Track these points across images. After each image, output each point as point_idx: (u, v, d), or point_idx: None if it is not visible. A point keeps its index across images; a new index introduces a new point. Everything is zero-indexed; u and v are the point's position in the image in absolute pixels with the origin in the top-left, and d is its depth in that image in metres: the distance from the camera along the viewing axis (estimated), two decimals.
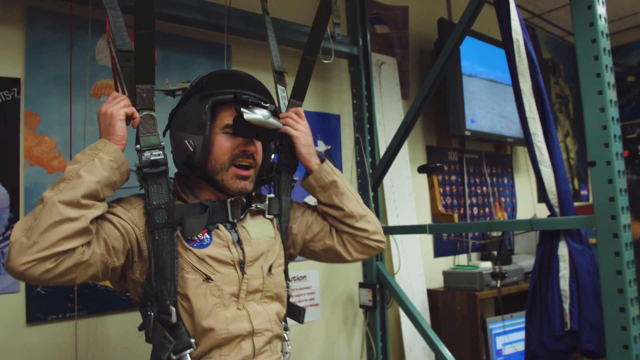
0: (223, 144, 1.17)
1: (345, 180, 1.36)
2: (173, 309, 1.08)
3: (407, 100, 2.67)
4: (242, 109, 1.13)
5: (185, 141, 1.16)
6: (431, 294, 2.53)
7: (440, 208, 1.92)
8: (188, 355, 1.08)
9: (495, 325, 2.46)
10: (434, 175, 1.96)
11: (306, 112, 2.05)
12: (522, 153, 3.53)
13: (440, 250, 2.80)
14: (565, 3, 3.45)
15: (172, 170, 1.20)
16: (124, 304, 1.66)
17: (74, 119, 1.62)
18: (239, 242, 1.19)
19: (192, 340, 1.09)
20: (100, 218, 1.04)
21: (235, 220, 1.21)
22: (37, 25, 1.58)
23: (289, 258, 1.35)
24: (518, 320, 2.50)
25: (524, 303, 1.73)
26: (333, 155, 2.34)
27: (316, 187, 1.32)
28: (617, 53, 4.28)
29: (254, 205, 1.27)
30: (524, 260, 2.71)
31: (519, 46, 1.70)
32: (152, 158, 1.11)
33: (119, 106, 1.10)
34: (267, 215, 1.29)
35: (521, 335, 2.42)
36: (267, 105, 1.18)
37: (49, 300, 1.54)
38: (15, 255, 0.93)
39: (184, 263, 1.11)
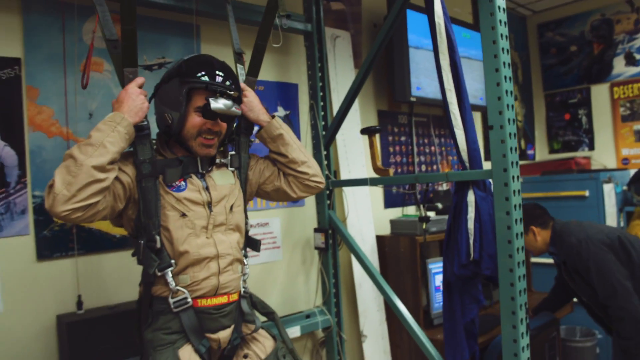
0: (194, 121, 1.50)
1: (291, 134, 1.72)
2: (157, 237, 1.45)
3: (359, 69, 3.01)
4: (210, 99, 1.46)
5: (166, 114, 1.50)
6: (380, 239, 2.92)
7: (379, 164, 2.28)
8: (169, 272, 1.46)
9: (434, 265, 2.88)
10: (373, 136, 2.31)
11: (267, 82, 2.43)
12: None
13: (390, 202, 3.20)
14: None
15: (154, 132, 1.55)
16: (115, 245, 2.02)
17: (68, 91, 1.93)
18: (207, 188, 1.55)
19: (172, 261, 1.47)
20: None
21: (204, 172, 1.57)
22: (32, 12, 1.87)
23: (247, 200, 1.72)
24: None
25: None
26: (292, 119, 2.69)
27: (266, 138, 1.69)
28: (562, 24, 4.63)
29: (218, 160, 1.63)
30: None
31: (440, 29, 2.02)
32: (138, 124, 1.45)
33: (135, 92, 1.44)
34: (229, 168, 1.65)
35: None
36: (232, 92, 1.51)
37: (54, 241, 1.89)
38: (58, 203, 1.27)
39: (166, 203, 1.47)
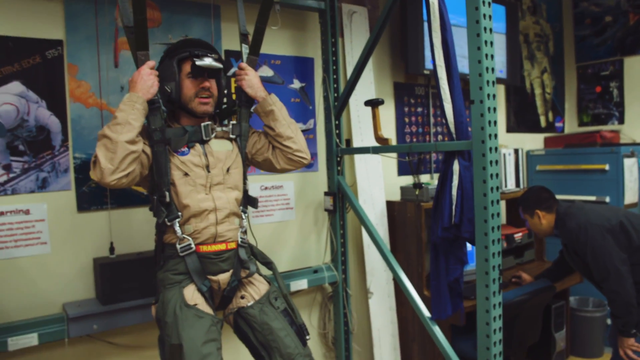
0: (188, 84, 1.82)
1: (283, 111, 1.96)
2: (167, 193, 1.76)
3: None
4: (195, 59, 1.77)
5: (165, 87, 1.79)
6: (390, 204, 3.13)
7: (380, 134, 2.48)
8: (177, 222, 1.77)
9: None
10: (376, 107, 2.50)
11: (284, 57, 2.69)
12: None
13: (403, 170, 3.39)
14: None
15: None
16: (142, 200, 2.35)
17: (101, 67, 2.24)
18: (206, 154, 1.83)
19: (179, 213, 1.77)
20: None
21: (206, 139, 1.85)
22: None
23: (246, 164, 1.99)
24: None
25: None
26: (307, 91, 2.91)
27: (261, 112, 1.95)
28: None
29: (219, 129, 1.90)
30: None
31: (434, 8, 2.16)
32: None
33: (147, 72, 1.73)
34: (230, 135, 1.92)
35: None
36: (212, 55, 1.82)
37: (91, 196, 2.23)
38: (107, 175, 1.61)
39: (173, 165, 1.77)
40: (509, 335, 2.61)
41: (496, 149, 2.01)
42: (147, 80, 1.71)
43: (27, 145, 2.10)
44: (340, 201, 2.85)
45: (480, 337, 2.05)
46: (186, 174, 1.78)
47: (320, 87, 2.92)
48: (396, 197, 3.18)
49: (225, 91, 1.97)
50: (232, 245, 1.86)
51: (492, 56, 2.01)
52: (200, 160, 1.82)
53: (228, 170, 1.86)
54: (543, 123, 4.52)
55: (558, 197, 2.82)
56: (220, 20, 2.56)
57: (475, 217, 2.04)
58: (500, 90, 4.01)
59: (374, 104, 2.51)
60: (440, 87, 2.17)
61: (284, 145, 1.94)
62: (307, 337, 1.91)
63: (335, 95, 2.83)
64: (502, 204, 3.16)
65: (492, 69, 2.01)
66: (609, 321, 3.59)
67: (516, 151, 3.81)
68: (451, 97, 2.15)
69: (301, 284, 2.72)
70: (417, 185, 2.63)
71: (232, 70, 2.53)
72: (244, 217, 1.94)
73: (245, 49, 2.04)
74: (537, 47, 4.47)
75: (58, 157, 2.17)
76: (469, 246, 2.27)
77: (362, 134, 3.05)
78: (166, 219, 1.77)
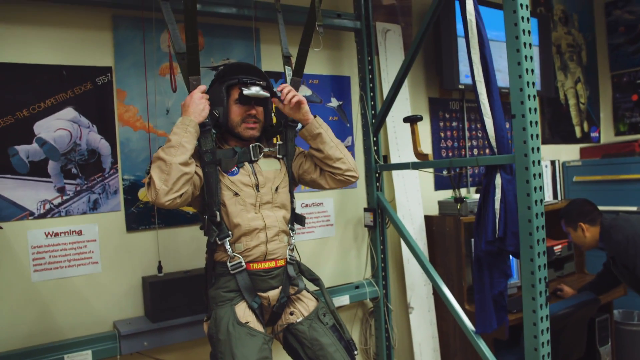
0: (235, 111, 1.89)
1: (330, 133, 1.99)
2: (217, 212, 1.80)
3: None
4: (243, 88, 1.83)
5: (214, 111, 1.85)
6: (428, 219, 3.14)
7: (420, 149, 2.50)
8: (227, 241, 1.81)
9: None
10: (415, 124, 2.53)
11: (321, 76, 2.74)
12: None
13: (441, 184, 3.40)
14: None
15: None
16: (188, 220, 2.41)
17: (149, 92, 2.32)
18: (255, 173, 1.88)
19: (230, 232, 1.81)
20: None
21: (255, 159, 1.90)
22: (120, 28, 2.27)
23: (293, 184, 2.03)
24: None
25: None
26: (344, 109, 2.96)
27: (307, 136, 1.98)
28: (631, 1, 4.51)
29: (267, 149, 1.95)
30: None
31: (472, 25, 2.20)
32: None
33: (198, 97, 1.79)
34: (277, 155, 1.97)
35: None
36: (260, 82, 1.87)
37: (139, 216, 2.30)
38: (161, 196, 1.66)
39: (223, 185, 1.82)
40: (554, 349, 2.55)
41: (539, 162, 2.01)
42: (198, 104, 1.77)
43: (79, 168, 2.18)
44: (380, 217, 2.87)
45: (527, 350, 2.04)
46: (236, 194, 1.83)
47: (357, 104, 2.97)
48: (433, 211, 3.19)
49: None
50: (281, 263, 1.90)
51: (532, 71, 2.02)
52: (249, 179, 1.87)
53: (277, 189, 1.91)
54: (578, 133, 4.47)
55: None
56: (260, 43, 2.63)
57: (519, 230, 2.04)
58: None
59: (412, 120, 2.54)
60: (480, 102, 2.18)
61: (334, 167, 1.97)
62: (355, 352, 1.93)
63: (373, 112, 2.87)
64: None
65: (533, 83, 2.02)
66: None
67: (552, 163, 3.78)
68: (491, 111, 2.17)
69: (343, 299, 2.74)
70: (459, 200, 2.64)
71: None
72: (292, 234, 1.97)
73: (288, 71, 2.09)
74: (569, 57, 4.44)
75: (108, 179, 2.25)
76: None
77: (399, 150, 3.07)
78: (217, 238, 1.82)
